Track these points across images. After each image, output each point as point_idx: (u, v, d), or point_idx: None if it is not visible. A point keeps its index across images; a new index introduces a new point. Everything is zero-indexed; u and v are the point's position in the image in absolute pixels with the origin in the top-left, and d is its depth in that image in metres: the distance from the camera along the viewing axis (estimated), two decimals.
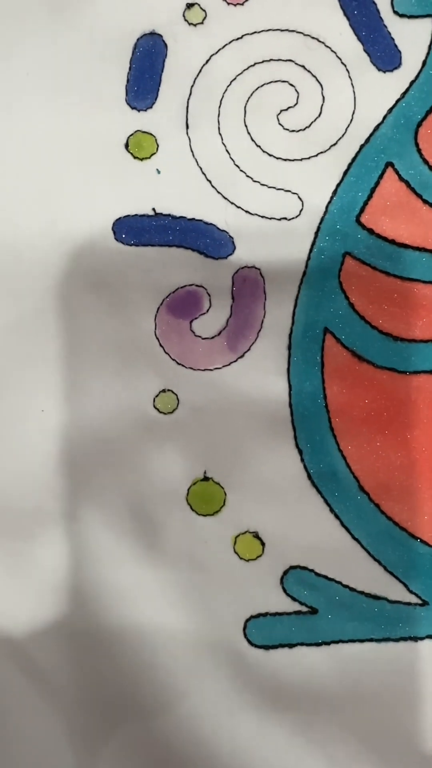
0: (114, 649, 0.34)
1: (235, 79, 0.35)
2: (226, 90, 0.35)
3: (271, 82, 0.35)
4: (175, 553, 0.34)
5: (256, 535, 0.34)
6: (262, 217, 0.35)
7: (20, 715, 0.35)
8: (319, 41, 0.35)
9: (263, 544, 0.34)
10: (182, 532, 0.34)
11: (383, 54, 0.35)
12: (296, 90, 0.35)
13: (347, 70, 0.35)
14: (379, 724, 0.34)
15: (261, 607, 0.34)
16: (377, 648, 0.34)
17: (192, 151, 0.35)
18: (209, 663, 0.34)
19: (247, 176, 0.35)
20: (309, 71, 0.35)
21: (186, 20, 0.36)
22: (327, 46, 0.35)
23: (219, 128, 0.35)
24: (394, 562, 0.34)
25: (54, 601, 0.35)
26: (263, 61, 0.35)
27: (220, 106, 0.35)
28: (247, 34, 0.35)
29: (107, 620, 0.34)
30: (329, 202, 0.35)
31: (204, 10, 0.36)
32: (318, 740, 0.34)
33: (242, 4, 0.36)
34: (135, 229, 0.35)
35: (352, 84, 0.35)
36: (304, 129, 0.35)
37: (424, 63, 0.35)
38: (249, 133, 0.35)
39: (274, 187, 0.35)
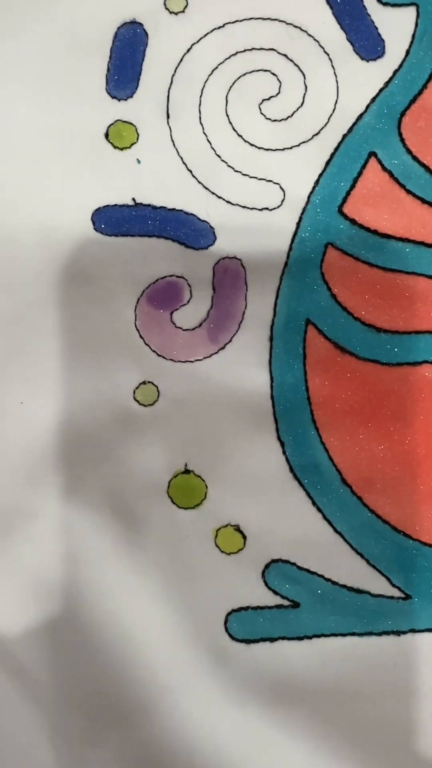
0: (96, 645, 0.34)
1: (216, 68, 0.35)
2: (207, 79, 0.35)
3: (253, 71, 0.35)
4: (156, 546, 0.34)
5: (238, 529, 0.34)
6: (244, 207, 0.34)
7: (2, 714, 0.34)
8: (302, 30, 0.35)
9: (245, 537, 0.34)
10: (163, 525, 0.34)
11: (366, 43, 0.35)
12: (278, 79, 0.35)
13: (330, 59, 0.35)
14: (362, 718, 0.34)
15: (242, 600, 0.34)
16: (359, 642, 0.34)
17: (173, 141, 0.35)
18: (191, 657, 0.34)
19: (229, 166, 0.35)
20: (291, 60, 0.35)
21: (167, 9, 0.35)
22: (309, 35, 0.35)
23: (200, 118, 0.35)
24: (376, 556, 0.34)
25: (34, 598, 0.34)
26: (245, 50, 0.35)
27: (201, 96, 0.35)
28: (229, 22, 0.35)
29: (88, 616, 0.34)
30: (311, 192, 0.35)
31: None
32: (300, 735, 0.34)
33: None
34: (114, 219, 0.34)
35: (335, 73, 0.35)
36: (287, 118, 0.35)
37: (407, 52, 0.35)
38: (231, 122, 0.35)
39: (255, 177, 0.35)
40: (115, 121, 0.35)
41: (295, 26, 0.35)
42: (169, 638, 0.34)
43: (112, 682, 0.34)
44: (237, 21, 0.35)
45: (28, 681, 0.34)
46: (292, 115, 0.35)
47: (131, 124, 0.35)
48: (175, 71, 0.35)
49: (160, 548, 0.34)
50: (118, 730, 0.34)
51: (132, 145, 0.35)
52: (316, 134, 0.35)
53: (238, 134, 0.35)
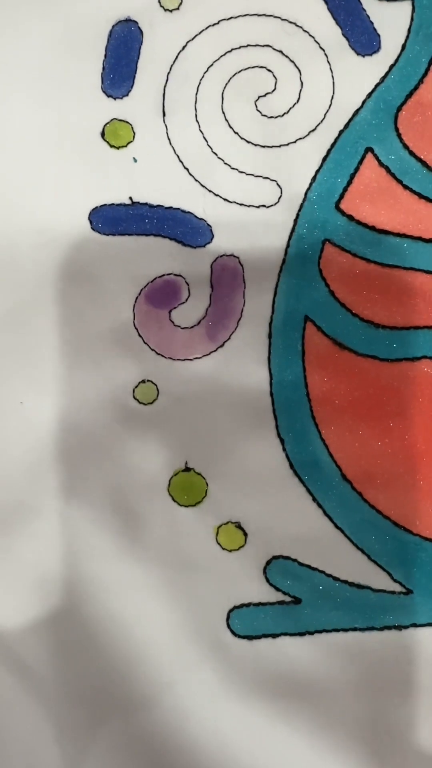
0: (98, 642, 0.34)
1: (212, 65, 0.35)
2: (203, 76, 0.35)
3: (249, 67, 0.35)
4: (157, 544, 0.34)
5: (239, 525, 0.34)
6: (241, 204, 0.34)
7: (5, 710, 0.34)
8: (297, 26, 0.35)
9: (246, 534, 0.34)
10: (164, 523, 0.34)
11: (362, 38, 0.35)
12: (274, 76, 0.35)
13: (326, 54, 0.35)
14: (364, 712, 0.34)
15: (244, 597, 0.34)
16: (361, 637, 0.34)
17: (169, 139, 0.35)
18: (193, 654, 0.34)
19: (225, 163, 0.35)
20: (287, 56, 0.35)
21: (162, 6, 0.35)
22: (305, 31, 0.35)
23: (196, 115, 0.35)
24: (377, 551, 0.34)
25: (36, 595, 0.34)
26: (240, 47, 0.35)
27: (197, 93, 0.35)
28: (224, 19, 0.35)
29: (90, 613, 0.34)
30: (308, 189, 0.35)
31: None
32: (303, 730, 0.34)
33: None
34: (112, 219, 0.34)
35: (330, 69, 0.35)
36: (283, 115, 0.35)
37: (403, 47, 0.35)
38: (227, 119, 0.35)
39: (252, 175, 0.35)
40: (111, 120, 0.35)
41: (291, 22, 0.35)
42: (171, 635, 0.34)
43: (116, 679, 0.34)
44: (232, 18, 0.35)
45: (31, 678, 0.34)
46: (288, 111, 0.35)
47: (127, 122, 0.35)
48: (170, 69, 0.35)
49: (161, 546, 0.34)
50: (122, 726, 0.34)
51: (128, 143, 0.35)
52: (313, 130, 0.35)
53: (234, 131, 0.35)
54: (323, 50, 0.35)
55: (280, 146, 0.35)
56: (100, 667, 0.34)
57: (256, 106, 0.35)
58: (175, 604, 0.34)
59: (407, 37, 0.35)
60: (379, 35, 0.35)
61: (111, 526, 0.34)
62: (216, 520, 0.34)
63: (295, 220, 0.34)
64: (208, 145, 0.35)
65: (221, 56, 0.35)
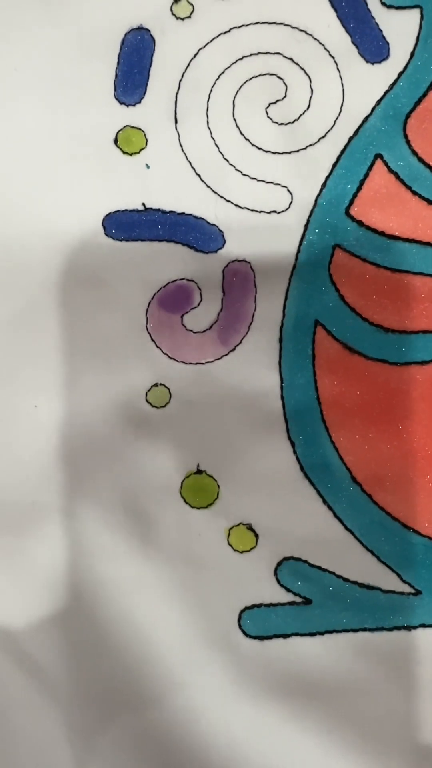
0: (109, 643, 0.34)
1: (223, 72, 0.35)
2: (214, 84, 0.35)
3: (260, 75, 0.35)
4: (169, 546, 0.35)
5: (250, 527, 0.35)
6: (252, 210, 0.35)
7: (17, 710, 0.35)
8: (307, 33, 0.35)
9: (257, 535, 0.35)
10: (176, 525, 0.35)
11: (371, 46, 0.35)
12: (284, 83, 0.35)
13: (335, 62, 0.35)
14: (374, 713, 0.34)
15: (255, 598, 0.34)
16: (371, 637, 0.34)
17: (181, 146, 0.35)
18: (204, 654, 0.34)
19: (236, 170, 0.35)
20: (297, 64, 0.35)
21: (174, 14, 0.35)
22: (315, 39, 0.35)
23: (208, 122, 0.35)
24: (387, 552, 0.35)
25: (49, 596, 0.35)
26: (251, 54, 0.35)
27: (208, 100, 0.35)
28: (235, 27, 0.35)
29: (102, 614, 0.35)
30: (318, 195, 0.35)
31: (191, 4, 0.35)
32: (313, 730, 0.34)
33: None
34: (125, 225, 0.35)
35: (340, 76, 0.35)
36: (293, 122, 0.35)
37: (412, 54, 0.35)
38: (238, 126, 0.35)
39: (263, 181, 0.35)
40: (124, 127, 0.35)
41: (301, 30, 0.35)
42: (183, 636, 0.34)
43: (127, 679, 0.34)
44: (243, 26, 0.35)
45: (42, 678, 0.35)
46: (298, 118, 0.35)
47: (140, 129, 0.35)
48: (182, 76, 0.35)
49: (173, 547, 0.35)
50: (133, 727, 0.34)
51: (141, 150, 0.35)
52: (323, 137, 0.35)
53: (245, 138, 0.35)
54: (333, 58, 0.35)
55: (290, 153, 0.35)
56: (111, 667, 0.34)
57: (267, 113, 0.35)
58: (187, 605, 0.35)
59: (416, 44, 0.35)
60: (388, 43, 0.35)
61: (123, 528, 0.35)
62: (227, 522, 0.35)
63: (306, 226, 0.35)
64: (220, 151, 0.35)
65: (232, 64, 0.35)
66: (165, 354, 0.35)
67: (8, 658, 0.35)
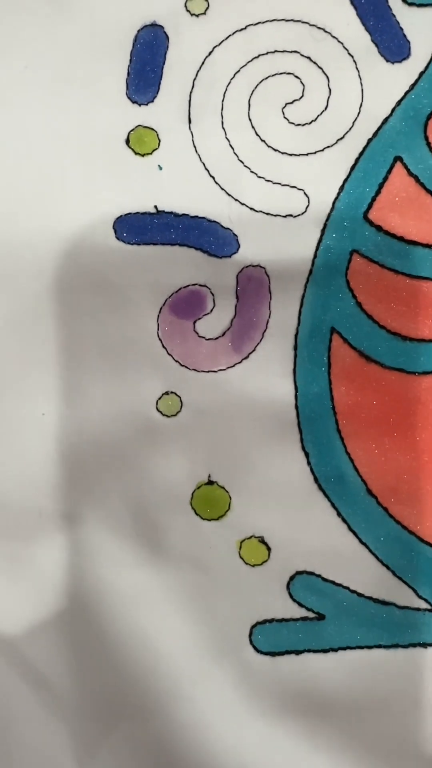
0: (117, 655, 0.34)
1: (238, 71, 0.34)
2: (229, 83, 0.34)
3: (276, 74, 0.34)
4: (179, 558, 0.34)
5: (262, 540, 0.34)
6: (267, 213, 0.34)
7: (22, 722, 0.34)
8: (326, 32, 0.35)
9: (269, 548, 0.34)
10: (186, 536, 0.34)
11: (391, 44, 0.35)
12: (302, 82, 0.34)
13: (354, 61, 0.34)
14: (387, 731, 0.33)
15: (267, 613, 0.34)
16: (386, 654, 0.34)
17: (195, 146, 0.34)
18: (214, 670, 0.34)
19: (252, 172, 0.34)
20: (315, 63, 0.34)
21: (188, 11, 0.35)
22: (333, 37, 0.35)
23: (222, 122, 0.34)
24: (402, 567, 0.34)
25: (56, 606, 0.34)
26: (268, 53, 0.35)
27: (223, 100, 0.34)
28: (251, 24, 0.35)
29: (110, 626, 0.34)
30: (336, 198, 0.34)
31: (206, 0, 0.35)
32: (325, 748, 0.33)
33: None
34: (136, 228, 0.34)
35: (359, 76, 0.34)
36: (310, 123, 0.34)
37: None
38: (253, 127, 0.34)
39: (279, 183, 0.34)
40: (136, 127, 0.34)
41: (319, 28, 0.35)
42: (193, 650, 0.34)
43: (135, 693, 0.34)
44: (259, 23, 0.35)
45: (48, 690, 0.34)
46: (315, 119, 0.34)
47: (152, 129, 0.34)
48: (196, 75, 0.34)
49: (183, 560, 0.34)
50: (140, 740, 0.34)
51: (153, 151, 0.34)
52: (341, 138, 0.34)
53: (261, 139, 0.34)
54: (352, 57, 0.35)
55: (307, 154, 0.34)
56: (118, 679, 0.34)
57: (284, 113, 0.34)
58: (197, 619, 0.34)
59: None
60: (408, 41, 0.34)
61: (132, 539, 0.34)
62: (239, 534, 0.34)
63: (323, 230, 0.34)
64: (235, 152, 0.34)
65: (248, 62, 0.34)
66: (176, 361, 0.34)
67: (12, 669, 0.34)
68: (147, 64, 0.34)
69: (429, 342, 0.34)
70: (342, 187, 0.34)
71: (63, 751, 0.34)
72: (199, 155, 0.34)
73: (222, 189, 0.34)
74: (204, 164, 0.34)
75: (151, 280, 0.34)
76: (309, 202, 0.34)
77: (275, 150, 0.34)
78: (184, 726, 0.34)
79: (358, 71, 0.34)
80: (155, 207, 0.34)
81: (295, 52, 0.34)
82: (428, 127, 0.34)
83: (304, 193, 0.34)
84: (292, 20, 0.35)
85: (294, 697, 0.34)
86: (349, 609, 0.34)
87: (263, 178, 0.34)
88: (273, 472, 0.34)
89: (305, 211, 0.34)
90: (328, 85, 0.34)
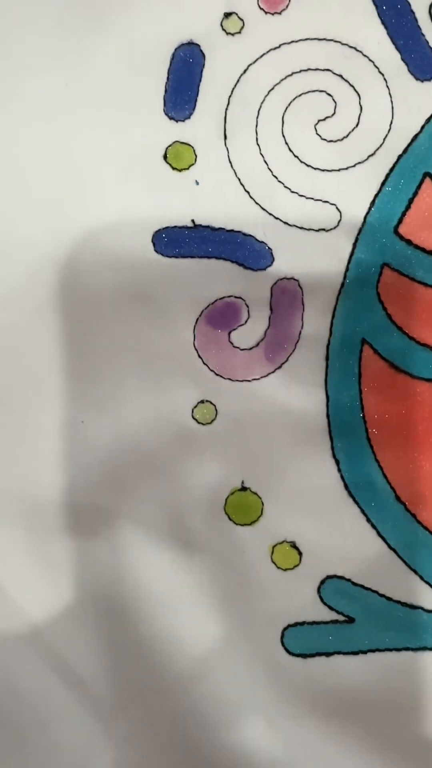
0: (151, 656, 0.35)
1: (273, 88, 0.35)
2: (264, 100, 0.35)
3: (309, 91, 0.35)
4: (212, 562, 0.35)
5: (294, 545, 0.35)
6: (301, 227, 0.35)
7: (59, 722, 0.35)
8: (357, 50, 0.35)
9: (300, 553, 0.35)
10: (220, 541, 0.35)
11: (421, 63, 0.35)
12: (334, 100, 0.35)
13: (385, 79, 0.35)
14: (416, 733, 0.34)
15: (298, 616, 0.35)
16: (414, 657, 0.34)
17: (230, 162, 0.35)
18: (248, 671, 0.34)
19: (285, 187, 0.35)
20: (347, 81, 0.35)
21: (224, 29, 0.35)
22: (364, 55, 0.35)
23: (257, 138, 0.35)
24: (430, 571, 0.34)
25: (93, 607, 0.35)
26: (301, 71, 0.35)
27: (258, 116, 0.35)
28: (285, 43, 0.35)
29: (145, 627, 0.35)
30: (367, 213, 0.35)
31: (242, 20, 0.35)
32: (355, 749, 0.34)
33: (280, 14, 0.35)
34: (174, 241, 0.35)
35: (389, 93, 0.35)
36: (342, 139, 0.35)
37: None
38: (287, 143, 0.35)
39: (312, 198, 0.35)
40: (174, 143, 0.35)
41: (350, 47, 0.35)
42: (226, 652, 0.35)
43: (169, 696, 0.35)
44: (293, 42, 0.35)
45: (87, 692, 0.35)
46: (347, 135, 0.35)
47: (189, 145, 0.35)
48: (231, 92, 0.35)
49: (217, 564, 0.35)
50: (175, 742, 0.35)
51: (190, 166, 0.35)
52: (372, 155, 0.35)
53: (294, 155, 0.35)
54: (382, 75, 0.35)
55: (339, 170, 0.35)
56: (154, 683, 0.35)
57: (316, 130, 0.35)
58: (231, 622, 0.35)
59: None
60: None
61: (167, 544, 0.35)
62: (271, 539, 0.35)
63: (354, 244, 0.35)
64: (269, 168, 0.35)
65: (282, 80, 0.35)
66: (212, 371, 0.35)
67: (50, 670, 0.35)
68: (184, 81, 0.35)
69: None
70: (373, 202, 0.35)
71: (99, 751, 0.35)
72: (234, 170, 0.35)
73: (257, 203, 0.35)
74: (239, 179, 0.35)
75: (188, 292, 0.35)
76: (341, 216, 0.35)
77: (308, 165, 0.35)
78: (216, 726, 0.34)
79: (389, 89, 0.35)
80: (192, 221, 0.35)
81: (328, 70, 0.35)
82: None
83: (336, 207, 0.35)
84: (324, 39, 0.35)
85: (324, 698, 0.34)
86: (377, 612, 0.34)
87: (296, 192, 0.35)
88: (304, 479, 0.35)
89: (337, 226, 0.35)
90: (360, 103, 0.35)
